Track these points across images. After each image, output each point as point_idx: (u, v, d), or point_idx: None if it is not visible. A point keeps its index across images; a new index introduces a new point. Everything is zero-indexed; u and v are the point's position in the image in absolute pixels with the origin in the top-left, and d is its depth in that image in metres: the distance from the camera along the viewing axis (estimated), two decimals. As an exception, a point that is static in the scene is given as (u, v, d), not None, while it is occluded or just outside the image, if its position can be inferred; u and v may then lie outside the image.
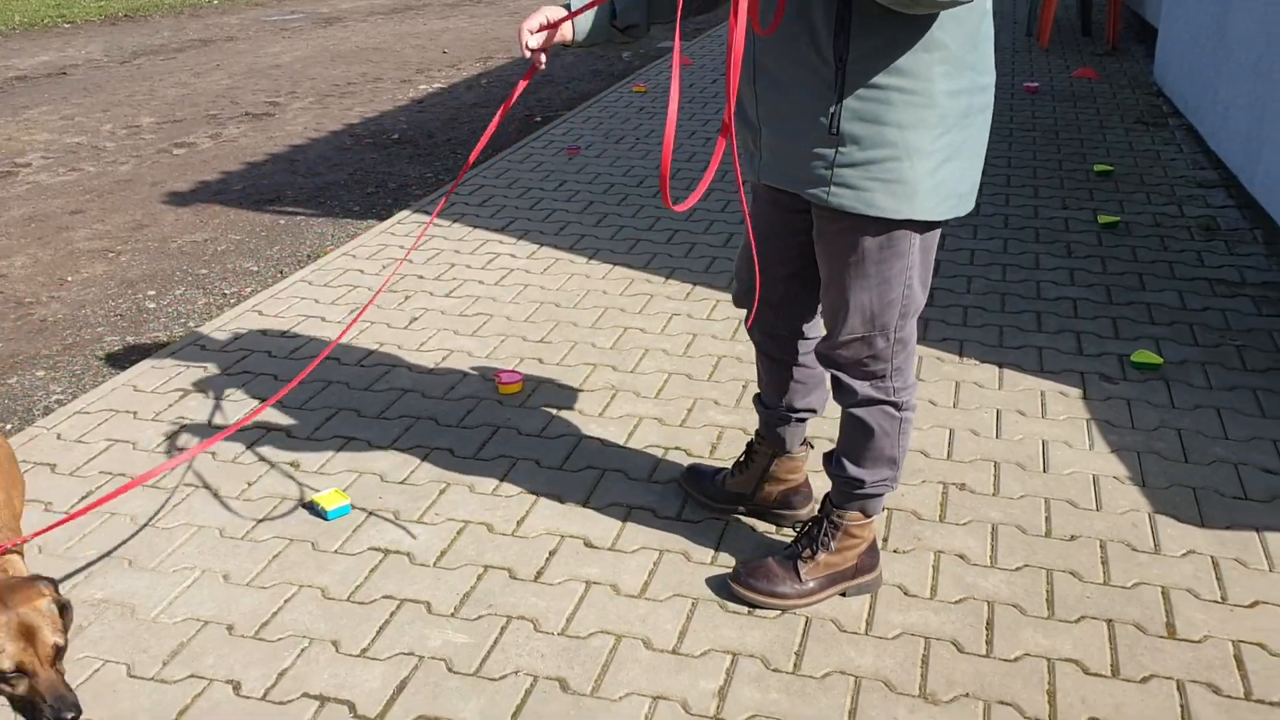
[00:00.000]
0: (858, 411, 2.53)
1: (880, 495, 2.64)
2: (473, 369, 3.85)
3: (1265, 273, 4.55)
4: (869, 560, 2.69)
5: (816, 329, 2.74)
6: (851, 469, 2.59)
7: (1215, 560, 2.79)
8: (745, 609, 2.64)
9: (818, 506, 2.87)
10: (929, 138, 2.21)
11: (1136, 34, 9.66)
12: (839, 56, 2.16)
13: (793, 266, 2.59)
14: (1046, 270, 4.61)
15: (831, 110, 2.21)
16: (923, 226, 2.34)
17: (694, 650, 2.51)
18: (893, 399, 2.52)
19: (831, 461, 2.64)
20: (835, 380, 2.54)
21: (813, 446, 3.22)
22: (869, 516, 2.66)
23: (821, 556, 2.65)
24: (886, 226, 2.30)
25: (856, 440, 2.56)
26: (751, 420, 3.49)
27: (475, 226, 5.30)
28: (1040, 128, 6.73)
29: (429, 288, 4.57)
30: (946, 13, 2.13)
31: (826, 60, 2.18)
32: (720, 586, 2.71)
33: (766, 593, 2.62)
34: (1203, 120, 6.07)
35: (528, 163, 6.34)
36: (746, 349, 3.97)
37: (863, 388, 2.50)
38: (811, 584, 2.64)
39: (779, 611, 2.63)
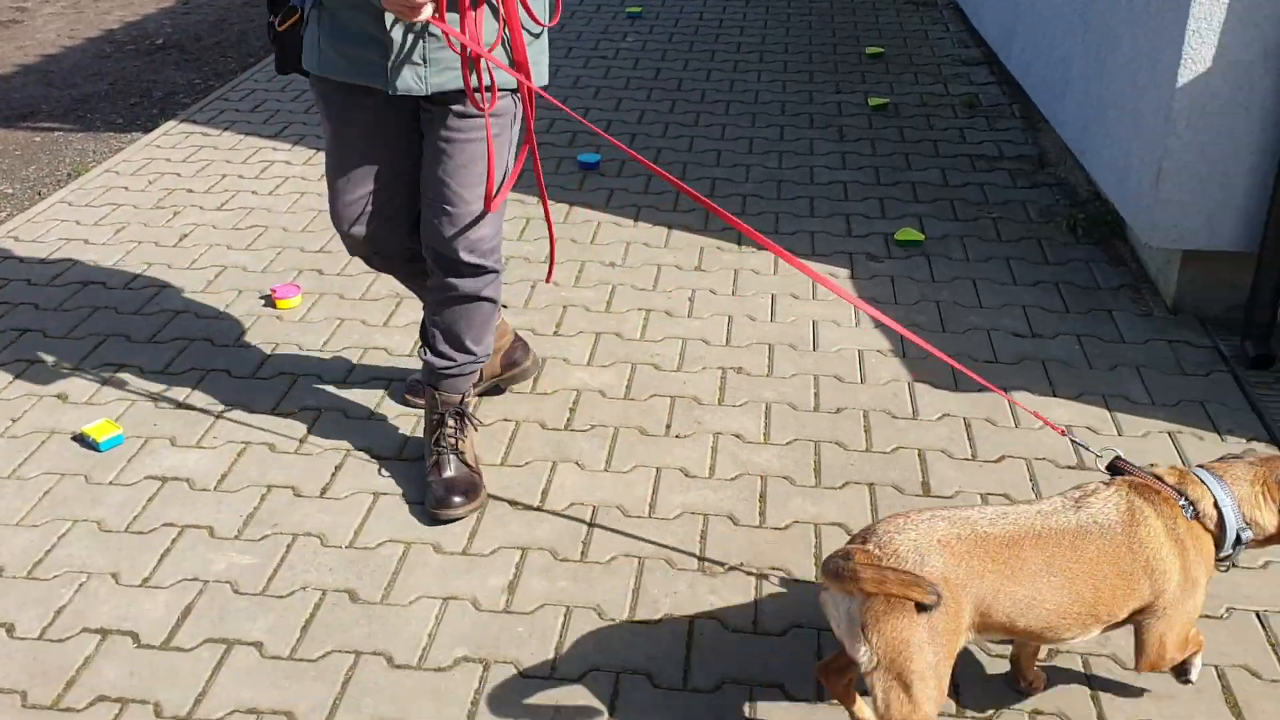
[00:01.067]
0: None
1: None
2: (248, 285, 3.74)
3: (1021, 146, 4.82)
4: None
5: None
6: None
7: (967, 421, 3.01)
8: (535, 506, 2.70)
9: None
10: None
11: (909, -86, 9.86)
12: None
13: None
14: (820, 155, 4.76)
15: None
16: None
17: (483, 550, 2.57)
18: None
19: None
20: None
21: None
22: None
23: (467, 439, 2.74)
24: None
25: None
26: (538, 320, 3.52)
27: (247, 134, 5.09)
28: (816, 11, 6.86)
29: (199, 201, 4.38)
30: None
31: None
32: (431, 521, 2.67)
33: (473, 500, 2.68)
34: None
35: (302, 65, 6.08)
36: (534, 249, 3.99)
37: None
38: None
39: (566, 504, 2.70)
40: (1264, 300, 3.17)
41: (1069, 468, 2.82)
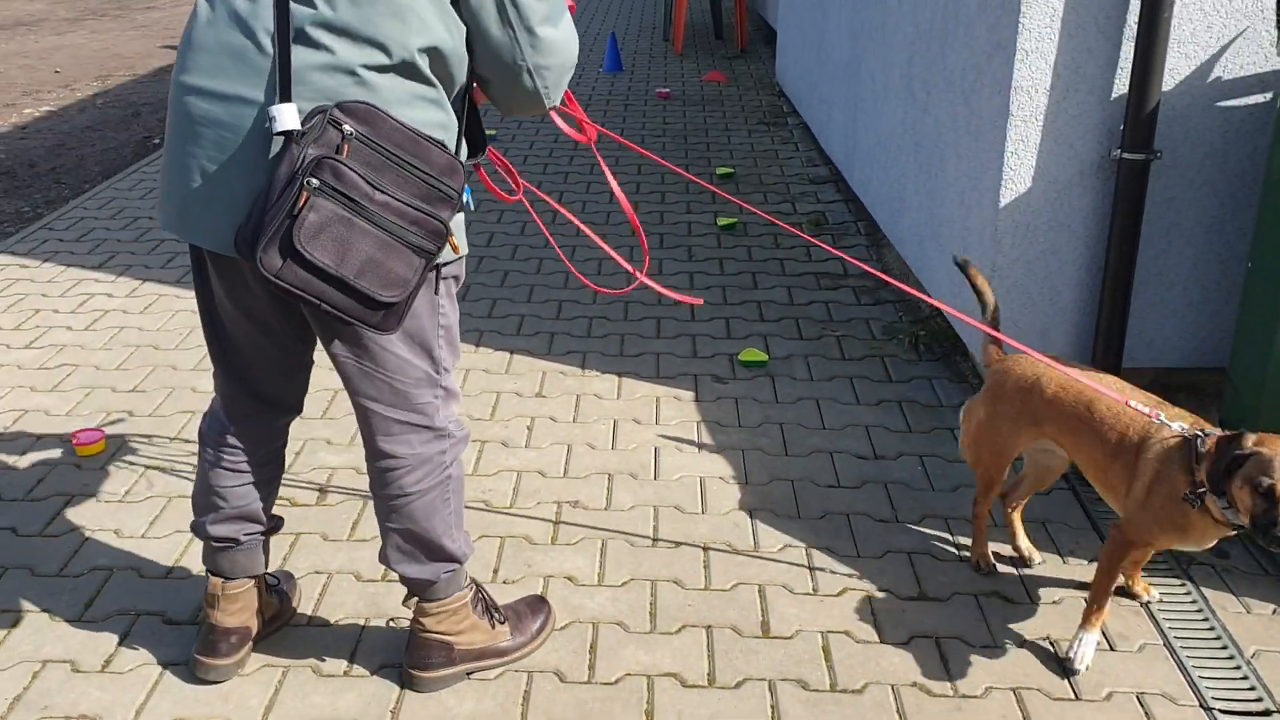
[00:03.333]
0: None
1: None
2: (49, 430, 3.47)
3: (865, 263, 4.84)
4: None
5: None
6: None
7: (808, 551, 2.89)
8: (342, 673, 2.47)
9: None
10: None
11: (765, 36, 10.19)
12: None
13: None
14: (669, 275, 4.71)
15: None
16: None
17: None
18: None
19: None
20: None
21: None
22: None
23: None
24: None
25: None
26: (361, 459, 3.32)
27: (69, 265, 4.82)
28: (670, 133, 6.92)
29: (5, 339, 4.09)
30: None
31: None
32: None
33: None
34: (813, 118, 6.43)
35: (138, 189, 5.86)
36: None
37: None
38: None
39: (344, 671, 2.48)
40: (1098, 416, 3.15)
41: (910, 599, 2.71)
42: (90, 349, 4.01)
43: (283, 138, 1.85)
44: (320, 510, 3.05)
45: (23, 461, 3.29)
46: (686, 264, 4.82)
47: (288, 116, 1.83)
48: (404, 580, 2.33)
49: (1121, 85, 3.03)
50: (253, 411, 2.28)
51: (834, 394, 3.71)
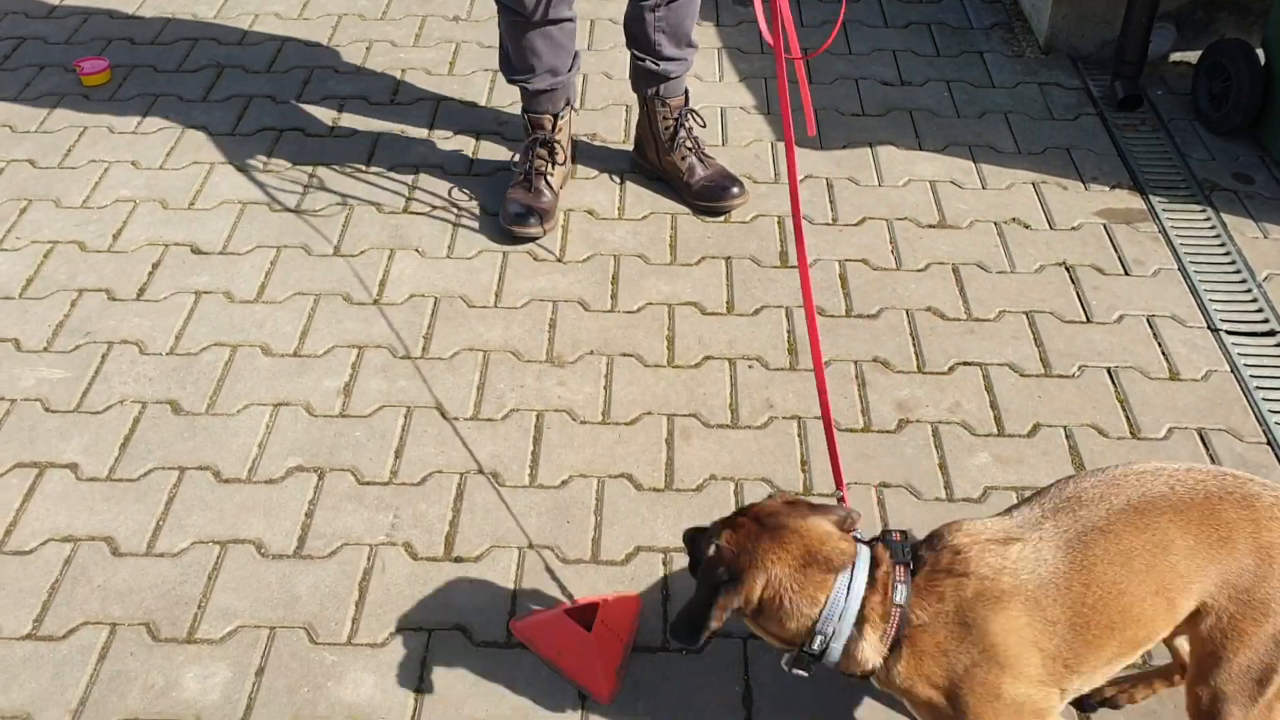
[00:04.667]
0: None
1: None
2: (50, 60, 3.36)
3: None
4: None
5: None
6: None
7: (830, 182, 2.88)
8: (370, 300, 2.53)
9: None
10: None
11: None
12: None
13: None
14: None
15: None
16: None
17: (317, 349, 2.41)
18: None
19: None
20: None
21: None
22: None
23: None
24: None
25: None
26: (374, 89, 3.24)
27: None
28: None
29: (-11, -38, 3.88)
30: None
31: None
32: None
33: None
34: None
35: None
36: (370, 4, 3.63)
37: None
38: None
39: (405, 296, 2.54)
40: (1134, 38, 3.02)
41: (930, 226, 2.72)
42: (79, -29, 3.81)
43: None
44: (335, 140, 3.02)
45: (29, 92, 3.22)
46: (706, -128, 4.46)
47: None
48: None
49: None
50: None
51: (862, 16, 3.55)
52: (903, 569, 1.44)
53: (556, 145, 2.72)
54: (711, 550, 1.47)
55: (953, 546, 1.45)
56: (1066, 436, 2.21)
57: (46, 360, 2.38)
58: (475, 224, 2.74)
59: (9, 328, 2.45)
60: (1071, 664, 1.42)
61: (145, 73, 3.29)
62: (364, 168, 2.92)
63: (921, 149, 2.98)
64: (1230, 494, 1.45)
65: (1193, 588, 1.42)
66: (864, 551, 1.47)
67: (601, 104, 3.16)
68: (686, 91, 2.79)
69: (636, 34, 2.66)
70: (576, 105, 2.97)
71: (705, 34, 3.46)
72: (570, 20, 2.60)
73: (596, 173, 2.91)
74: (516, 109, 3.07)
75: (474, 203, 2.80)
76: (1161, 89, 3.18)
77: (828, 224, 2.74)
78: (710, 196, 2.74)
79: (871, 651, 1.43)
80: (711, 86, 3.23)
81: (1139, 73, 3.06)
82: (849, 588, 1.43)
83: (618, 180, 2.88)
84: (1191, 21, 3.22)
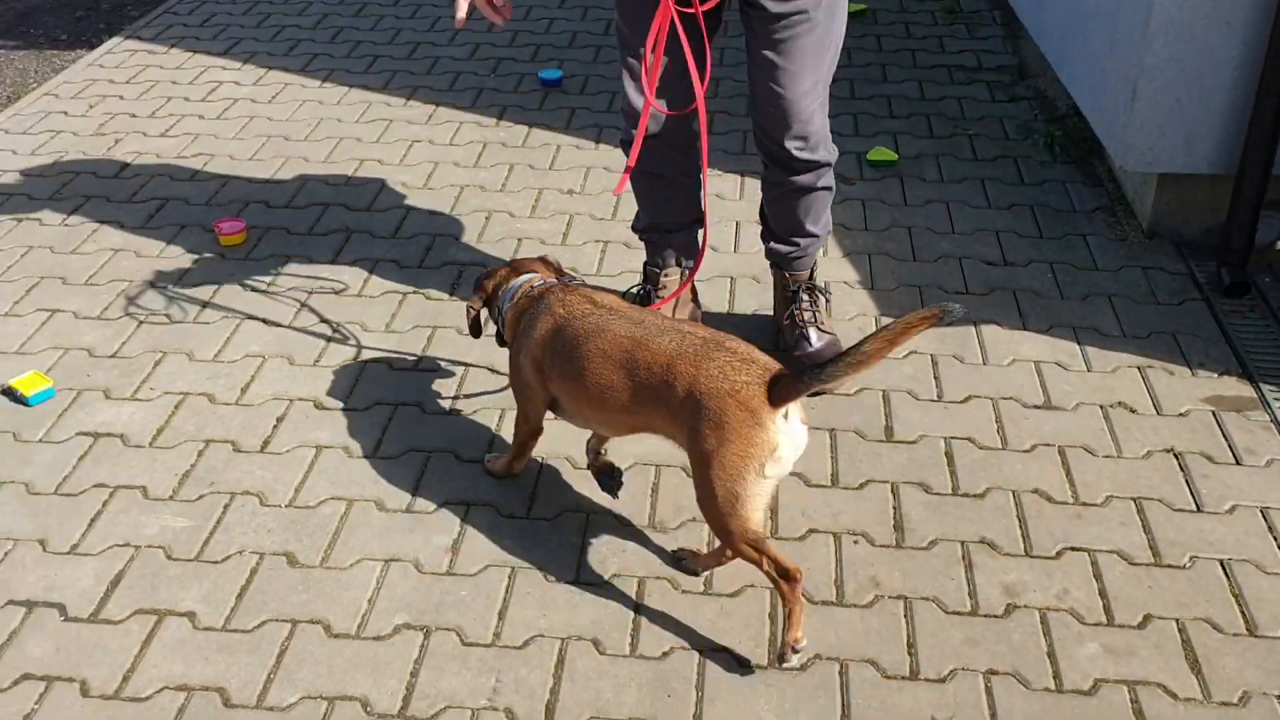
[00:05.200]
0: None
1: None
2: (191, 220, 3.59)
3: (1000, 56, 4.63)
4: None
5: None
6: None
7: (934, 359, 2.91)
8: (479, 460, 2.61)
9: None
10: None
11: None
12: None
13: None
14: (791, 67, 4.56)
15: None
16: None
17: (427, 507, 2.48)
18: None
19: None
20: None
21: None
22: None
23: (821, 309, 2.92)
24: None
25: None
26: (494, 255, 3.39)
27: (195, 51, 4.87)
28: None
29: (142, 127, 4.19)
30: None
31: None
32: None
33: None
34: (948, -105, 6.01)
35: (255, -27, 5.81)
36: (490, 176, 3.83)
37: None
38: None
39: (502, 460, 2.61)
40: (1241, 225, 3.05)
41: (1035, 407, 2.73)
42: (223, 139, 4.10)
43: None
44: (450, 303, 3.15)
45: (170, 250, 3.43)
46: (811, 55, 4.66)
47: None
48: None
49: None
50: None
51: (965, 196, 3.63)
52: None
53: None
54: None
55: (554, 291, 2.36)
56: (1179, 630, 2.15)
57: (172, 509, 2.48)
58: (584, 389, 2.81)
59: (138, 475, 2.57)
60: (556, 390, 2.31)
61: (279, 234, 3.50)
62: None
63: (1026, 329, 3.01)
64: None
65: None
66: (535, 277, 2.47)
67: (706, 275, 3.26)
68: (813, 269, 2.93)
69: (761, 209, 2.90)
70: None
71: (810, 210, 3.56)
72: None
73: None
74: (625, 279, 3.19)
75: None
76: (1269, 276, 3.18)
77: (933, 400, 2.77)
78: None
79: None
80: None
81: (1246, 260, 3.07)
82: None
83: (723, 351, 2.95)
84: (1298, 211, 3.23)
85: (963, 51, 4.67)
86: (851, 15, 4.94)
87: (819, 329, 2.87)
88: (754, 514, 2.03)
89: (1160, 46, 3.02)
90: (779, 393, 1.99)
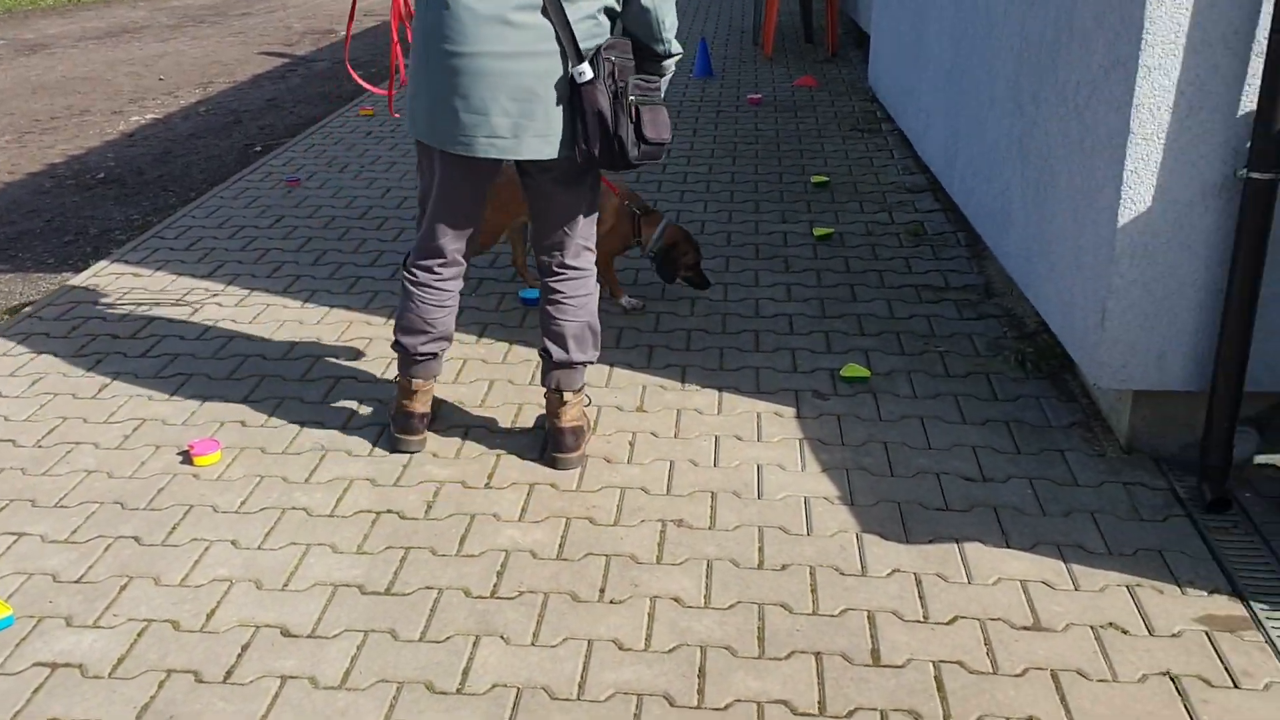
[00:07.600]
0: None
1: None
2: (166, 440, 3.56)
3: (967, 275, 4.77)
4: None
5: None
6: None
7: (918, 577, 2.86)
8: (453, 690, 2.50)
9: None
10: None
11: (855, 40, 10.08)
12: None
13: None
14: (765, 287, 4.69)
15: None
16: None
17: (397, 740, 2.36)
18: None
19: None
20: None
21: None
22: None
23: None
24: None
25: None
26: (470, 472, 3.36)
27: (179, 274, 4.95)
28: (763, 140, 6.89)
29: (122, 348, 4.21)
30: None
31: None
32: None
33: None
34: (909, 126, 6.34)
35: (243, 198, 6.00)
36: (470, 392, 3.84)
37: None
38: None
39: (488, 686, 2.51)
40: (1218, 442, 3.07)
41: (1024, 629, 2.66)
42: (201, 359, 4.12)
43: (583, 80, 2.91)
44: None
45: (144, 471, 3.39)
46: (783, 275, 4.80)
47: (586, 70, 2.91)
48: (567, 370, 3.32)
49: (1249, 102, 2.95)
50: (453, 258, 3.29)
51: (939, 412, 3.66)
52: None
53: None
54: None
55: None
56: None
57: (127, 745, 2.35)
58: (565, 608, 2.74)
59: (94, 708, 2.45)
60: None
61: (253, 454, 3.47)
62: (452, 554, 2.97)
63: (1009, 546, 2.97)
64: None
65: None
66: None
67: (687, 490, 3.23)
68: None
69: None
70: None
71: (786, 425, 3.58)
72: None
73: (685, 558, 2.93)
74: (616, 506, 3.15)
75: (562, 593, 2.82)
76: (1249, 491, 3.18)
77: (919, 620, 2.70)
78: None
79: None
80: (794, 476, 3.30)
81: (1225, 476, 3.08)
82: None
83: (704, 568, 2.89)
84: (1273, 424, 3.27)
85: (929, 271, 4.81)
86: (819, 238, 5.16)
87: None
88: None
89: (1127, 269, 3.11)
90: None
